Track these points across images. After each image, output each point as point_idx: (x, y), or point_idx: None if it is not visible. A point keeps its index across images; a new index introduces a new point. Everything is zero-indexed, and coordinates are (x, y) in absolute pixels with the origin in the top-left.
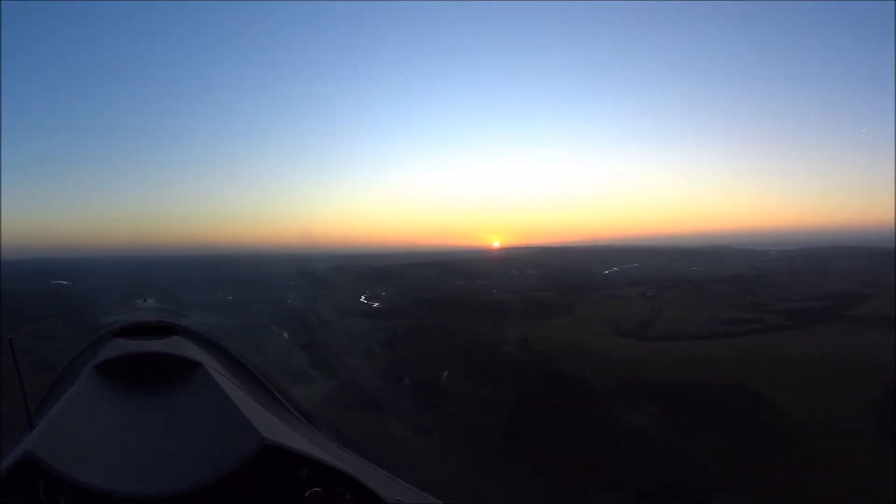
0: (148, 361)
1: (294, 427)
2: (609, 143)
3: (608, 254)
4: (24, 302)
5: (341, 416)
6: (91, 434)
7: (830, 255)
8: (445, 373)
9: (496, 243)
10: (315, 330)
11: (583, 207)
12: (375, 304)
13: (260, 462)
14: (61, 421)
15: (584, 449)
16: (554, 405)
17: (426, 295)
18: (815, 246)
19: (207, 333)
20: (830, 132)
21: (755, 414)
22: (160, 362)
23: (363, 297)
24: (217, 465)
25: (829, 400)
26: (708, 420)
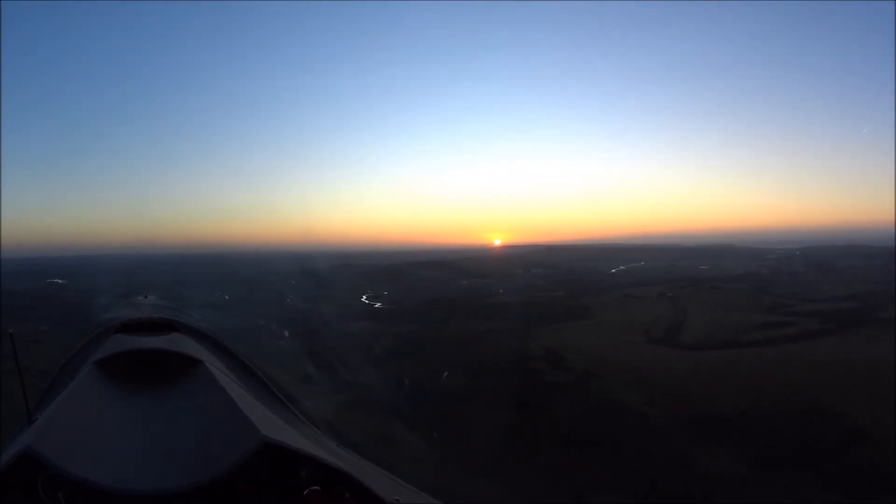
0: (148, 358)
1: (294, 426)
2: (609, 141)
3: (611, 252)
4: (14, 301)
5: None
6: (91, 430)
7: (835, 254)
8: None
9: (497, 241)
10: (314, 336)
11: (582, 205)
12: (380, 305)
13: (259, 460)
14: (61, 416)
15: None
16: (616, 448)
17: (432, 296)
18: (818, 245)
19: (208, 331)
20: (828, 131)
21: (860, 454)
22: (161, 359)
23: (367, 298)
24: (216, 463)
25: None
26: (805, 465)
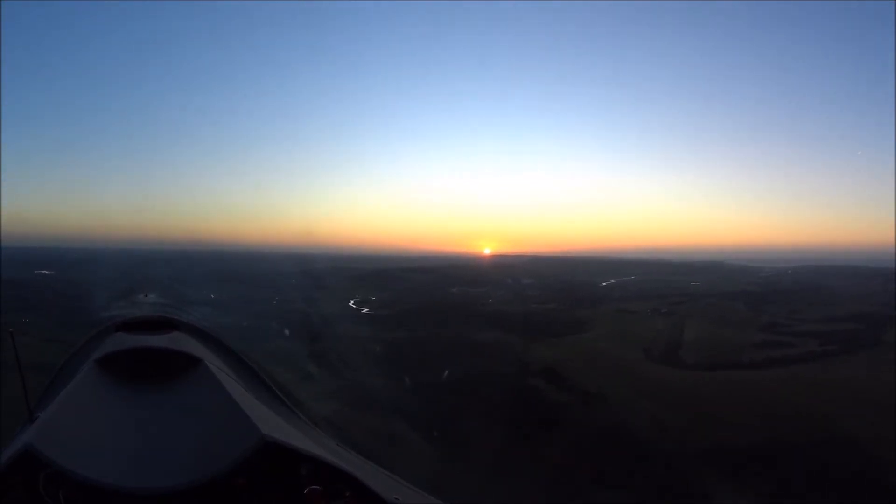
0: (149, 356)
1: (294, 424)
2: (599, 154)
3: (600, 265)
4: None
5: None
6: (91, 428)
7: (827, 273)
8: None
9: (487, 250)
10: (305, 340)
11: (572, 218)
12: (372, 311)
13: (259, 459)
14: (62, 415)
15: None
16: (632, 480)
17: (423, 302)
18: (811, 264)
19: (209, 329)
20: (820, 151)
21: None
22: (161, 358)
23: (359, 302)
24: (216, 461)
25: None
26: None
